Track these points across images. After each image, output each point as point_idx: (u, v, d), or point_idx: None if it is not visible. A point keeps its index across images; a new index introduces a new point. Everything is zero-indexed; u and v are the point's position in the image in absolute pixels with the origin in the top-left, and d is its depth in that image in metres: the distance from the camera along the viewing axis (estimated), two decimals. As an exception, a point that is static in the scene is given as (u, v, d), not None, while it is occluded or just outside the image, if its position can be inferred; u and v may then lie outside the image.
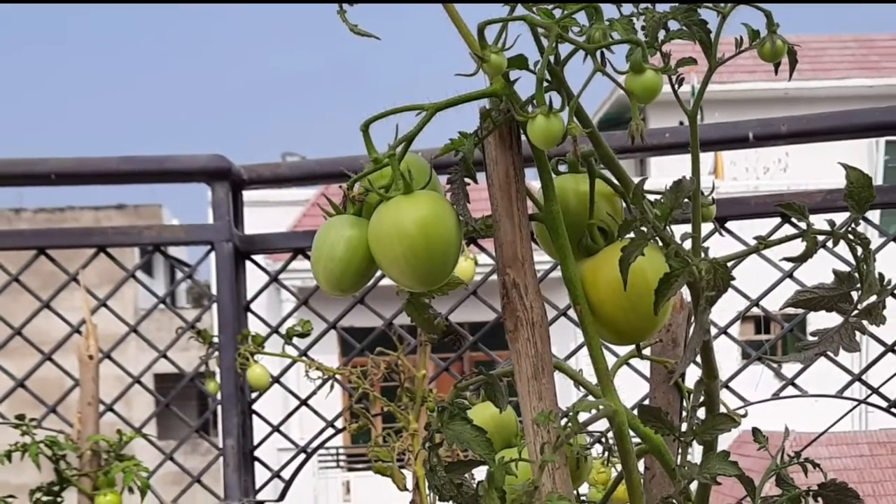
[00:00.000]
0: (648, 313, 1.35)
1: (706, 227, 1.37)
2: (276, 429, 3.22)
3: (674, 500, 1.44)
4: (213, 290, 3.17)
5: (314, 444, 3.19)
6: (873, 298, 1.36)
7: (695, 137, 1.39)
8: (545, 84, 1.28)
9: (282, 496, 3.17)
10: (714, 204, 1.45)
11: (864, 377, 2.95)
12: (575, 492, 1.47)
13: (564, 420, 1.32)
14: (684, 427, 1.44)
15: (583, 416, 1.32)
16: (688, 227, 1.36)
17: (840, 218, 1.34)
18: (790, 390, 2.94)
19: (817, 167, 14.86)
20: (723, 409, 1.44)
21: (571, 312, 1.43)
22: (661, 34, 1.29)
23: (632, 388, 1.80)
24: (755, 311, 2.98)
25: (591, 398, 1.37)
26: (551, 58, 1.28)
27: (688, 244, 1.34)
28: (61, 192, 45.47)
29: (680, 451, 1.43)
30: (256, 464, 3.20)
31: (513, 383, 1.40)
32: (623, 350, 1.51)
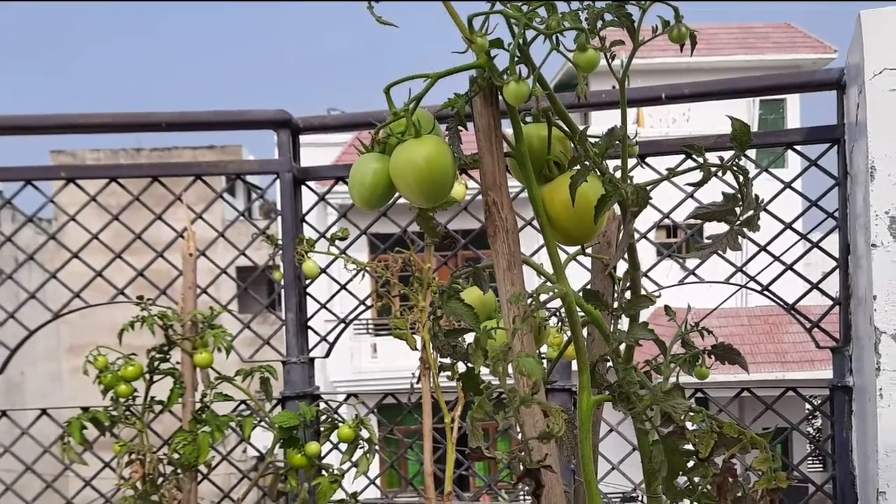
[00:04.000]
0: (590, 223, 1.36)
1: (632, 162, 1.36)
2: (323, 306, 3.23)
3: (608, 357, 1.45)
4: (279, 207, 3.18)
5: (350, 317, 3.21)
6: (751, 213, 1.36)
7: (623, 97, 1.38)
8: (516, 59, 1.28)
9: (327, 354, 3.18)
10: (637, 145, 1.45)
11: (744, 269, 2.97)
12: (537, 351, 1.47)
13: (530, 300, 1.32)
14: (616, 304, 1.45)
15: (543, 297, 1.32)
16: (618, 162, 1.36)
17: (727, 155, 1.34)
18: (691, 278, 2.95)
19: (711, 118, 14.77)
20: (643, 292, 1.44)
21: (535, 223, 1.43)
22: (599, 23, 1.28)
23: (578, 276, 1.80)
24: (667, 221, 2.98)
25: (548, 284, 1.37)
26: (520, 40, 1.28)
27: (618, 174, 1.34)
28: (169, 137, 45.32)
29: (612, 321, 1.44)
30: (309, 331, 3.21)
31: (493, 273, 1.41)
32: (571, 249, 1.51)
